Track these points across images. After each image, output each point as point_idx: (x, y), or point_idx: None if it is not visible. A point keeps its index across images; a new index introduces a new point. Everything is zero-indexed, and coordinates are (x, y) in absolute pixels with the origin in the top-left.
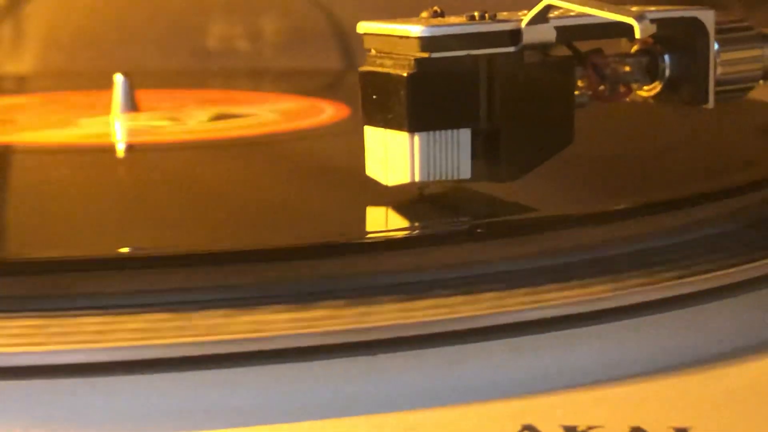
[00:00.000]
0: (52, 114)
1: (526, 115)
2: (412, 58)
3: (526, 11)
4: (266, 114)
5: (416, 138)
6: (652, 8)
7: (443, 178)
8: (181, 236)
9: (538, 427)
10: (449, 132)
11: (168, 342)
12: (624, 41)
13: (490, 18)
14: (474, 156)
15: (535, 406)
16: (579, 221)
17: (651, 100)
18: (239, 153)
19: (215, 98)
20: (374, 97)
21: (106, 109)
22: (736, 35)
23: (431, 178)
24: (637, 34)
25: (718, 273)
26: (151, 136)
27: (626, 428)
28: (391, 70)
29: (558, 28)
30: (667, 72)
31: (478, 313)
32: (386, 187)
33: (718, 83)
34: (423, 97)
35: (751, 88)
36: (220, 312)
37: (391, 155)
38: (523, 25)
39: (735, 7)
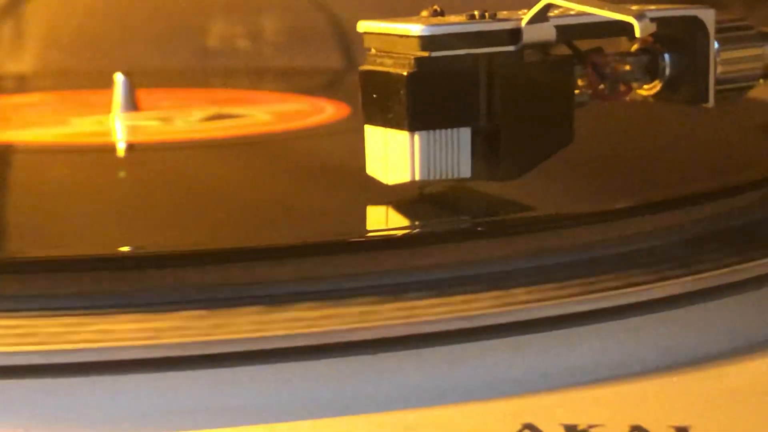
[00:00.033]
0: (50, 114)
1: (526, 114)
2: (413, 57)
3: (526, 10)
4: (266, 113)
5: (416, 137)
6: (652, 7)
7: (443, 177)
8: (181, 236)
9: (539, 425)
10: (449, 131)
11: (168, 342)
12: (624, 40)
13: (490, 17)
14: (474, 155)
15: (535, 405)
16: (579, 220)
17: (651, 99)
18: (239, 152)
19: (216, 97)
20: (374, 96)
21: (107, 109)
22: (736, 34)
23: (431, 177)
24: (637, 33)
25: (718, 272)
26: (144, 135)
27: (626, 427)
28: (392, 69)
29: (558, 27)
30: (667, 71)
31: (478, 312)
32: (386, 186)
33: (718, 82)
34: (423, 96)
35: (751, 87)
36: (220, 312)
37: (392, 154)
38: (523, 24)
39: (735, 6)
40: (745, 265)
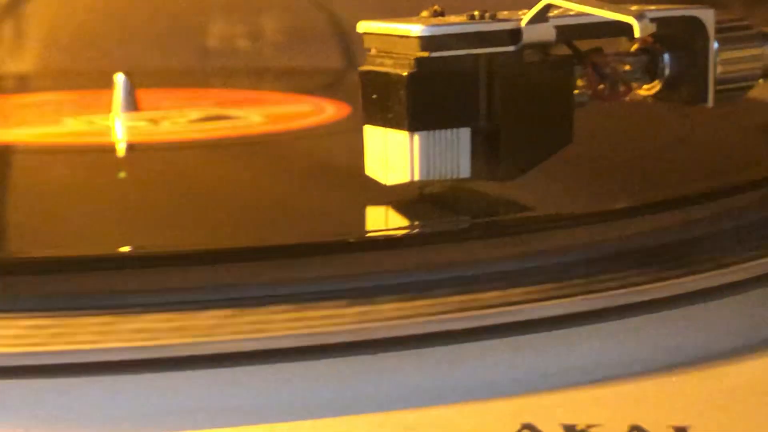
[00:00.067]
0: (50, 114)
1: (525, 114)
2: (412, 57)
3: (525, 10)
4: (266, 113)
5: (416, 137)
6: (652, 7)
7: (443, 177)
8: (181, 236)
9: (538, 425)
10: (449, 131)
11: (168, 342)
12: (624, 40)
13: (490, 17)
14: (474, 155)
15: (534, 405)
16: (578, 220)
17: (651, 99)
18: (238, 152)
19: (216, 97)
20: (374, 96)
21: (107, 109)
22: (735, 34)
23: (431, 177)
24: (637, 33)
25: (718, 272)
26: (143, 136)
27: (626, 427)
28: (391, 70)
29: (558, 28)
30: (667, 71)
31: (477, 312)
32: (386, 187)
33: (717, 82)
34: (423, 97)
35: (750, 87)
36: (220, 312)
37: (391, 154)
38: (522, 24)
39: (735, 6)
40: (745, 265)
